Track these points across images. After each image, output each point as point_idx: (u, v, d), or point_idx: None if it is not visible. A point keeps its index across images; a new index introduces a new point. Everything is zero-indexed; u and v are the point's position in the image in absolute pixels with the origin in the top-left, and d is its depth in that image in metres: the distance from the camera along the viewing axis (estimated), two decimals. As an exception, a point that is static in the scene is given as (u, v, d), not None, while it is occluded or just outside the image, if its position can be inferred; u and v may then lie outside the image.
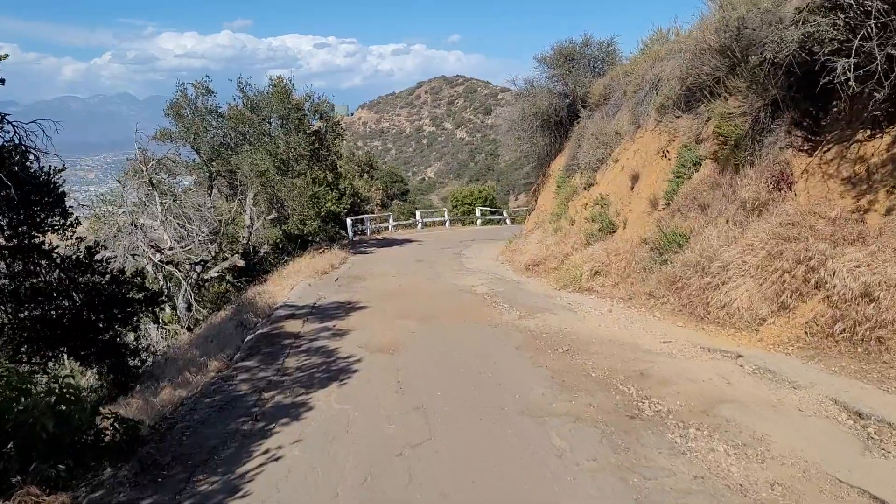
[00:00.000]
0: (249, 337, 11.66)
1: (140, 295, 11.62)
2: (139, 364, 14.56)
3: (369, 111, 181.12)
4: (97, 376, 13.81)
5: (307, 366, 9.31)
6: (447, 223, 42.23)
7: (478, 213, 43.15)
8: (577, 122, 24.96)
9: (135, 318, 11.76)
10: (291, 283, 19.48)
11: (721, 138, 12.88)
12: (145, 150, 24.36)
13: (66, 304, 10.42)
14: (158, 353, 18.90)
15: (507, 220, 44.09)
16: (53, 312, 10.34)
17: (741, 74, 12.41)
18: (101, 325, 11.06)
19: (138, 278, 11.97)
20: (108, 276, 11.02)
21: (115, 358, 12.91)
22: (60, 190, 10.91)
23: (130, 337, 17.78)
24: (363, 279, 19.87)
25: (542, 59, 26.10)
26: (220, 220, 25.42)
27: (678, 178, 14.28)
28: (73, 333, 10.51)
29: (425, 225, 41.72)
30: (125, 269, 12.54)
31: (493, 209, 46.10)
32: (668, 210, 14.11)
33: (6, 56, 8.80)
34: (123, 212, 22.62)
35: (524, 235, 26.05)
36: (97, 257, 11.92)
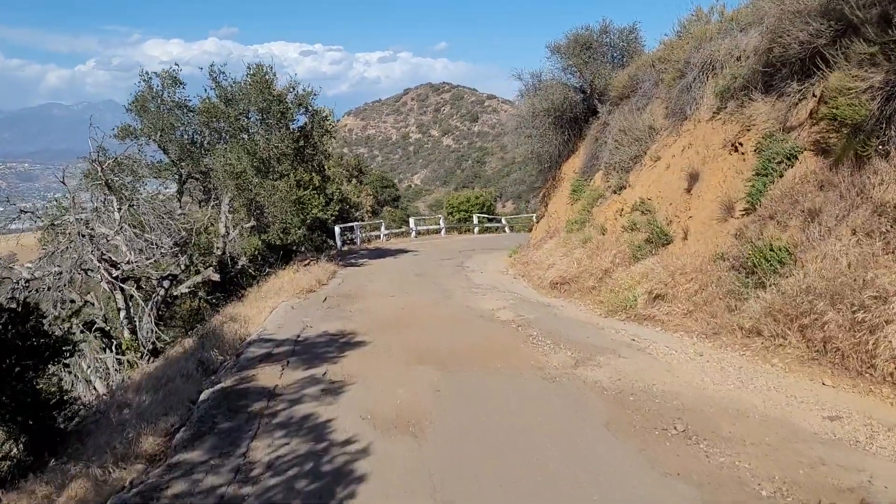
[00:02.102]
0: (205, 397, 8.34)
1: (41, 341, 8.13)
2: (71, 416, 11.21)
3: (355, 118, 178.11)
4: (5, 436, 10.46)
5: (284, 463, 5.95)
6: (443, 231, 39.09)
7: (475, 220, 40.05)
8: (595, 119, 22.15)
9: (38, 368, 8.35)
10: (271, 305, 16.18)
11: (834, 122, 9.80)
12: (104, 149, 21.07)
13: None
14: (103, 395, 15.54)
15: (507, 228, 41.09)
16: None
17: (866, 38, 9.37)
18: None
19: (36, 319, 8.45)
20: None
21: (26, 415, 9.61)
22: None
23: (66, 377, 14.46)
24: (357, 299, 16.62)
25: (556, 49, 23.15)
26: (190, 229, 22.15)
27: (763, 176, 11.17)
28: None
29: (419, 233, 38.54)
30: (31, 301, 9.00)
31: (491, 216, 43.05)
32: (753, 217, 11.00)
33: None
34: (76, 219, 19.23)
35: (533, 245, 23.03)
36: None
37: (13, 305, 8.24)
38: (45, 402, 10.28)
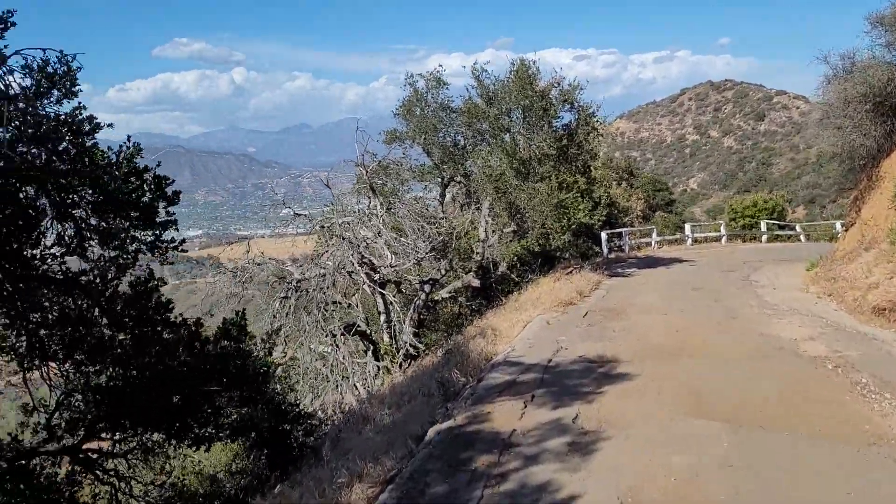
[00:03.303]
0: (429, 437, 6.88)
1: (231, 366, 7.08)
2: (309, 430, 10.57)
3: (628, 121, 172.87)
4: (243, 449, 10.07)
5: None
6: (723, 238, 34.93)
7: (763, 227, 35.24)
8: (935, 101, 17.57)
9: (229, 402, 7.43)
10: (525, 319, 14.64)
11: None
12: (373, 153, 21.29)
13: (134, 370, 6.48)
14: (354, 403, 15.16)
15: (802, 237, 35.66)
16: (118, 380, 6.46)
17: None
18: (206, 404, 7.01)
19: (228, 342, 7.50)
20: (181, 329, 6.83)
21: (255, 433, 8.99)
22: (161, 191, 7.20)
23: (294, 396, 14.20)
24: (622, 316, 14.45)
25: (879, 20, 18.87)
26: (451, 233, 21.58)
27: None
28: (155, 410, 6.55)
29: (695, 241, 34.84)
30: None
31: (783, 223, 37.73)
32: None
33: None
34: (338, 223, 19.51)
35: (841, 258, 18.85)
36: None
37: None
38: (283, 415, 9.71)
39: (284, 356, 18.63)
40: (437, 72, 22.06)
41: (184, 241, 7.53)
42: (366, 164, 19.86)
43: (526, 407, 7.86)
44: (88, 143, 6.61)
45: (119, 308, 5.89)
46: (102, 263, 5.90)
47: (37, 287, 5.42)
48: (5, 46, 6.35)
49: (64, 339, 5.83)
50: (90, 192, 6.18)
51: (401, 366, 17.36)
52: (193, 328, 6.66)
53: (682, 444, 6.42)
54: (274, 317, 18.36)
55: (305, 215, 20.14)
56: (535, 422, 7.29)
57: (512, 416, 7.53)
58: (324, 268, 18.09)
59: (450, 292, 24.36)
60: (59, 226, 6.34)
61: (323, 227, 19.84)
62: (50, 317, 5.63)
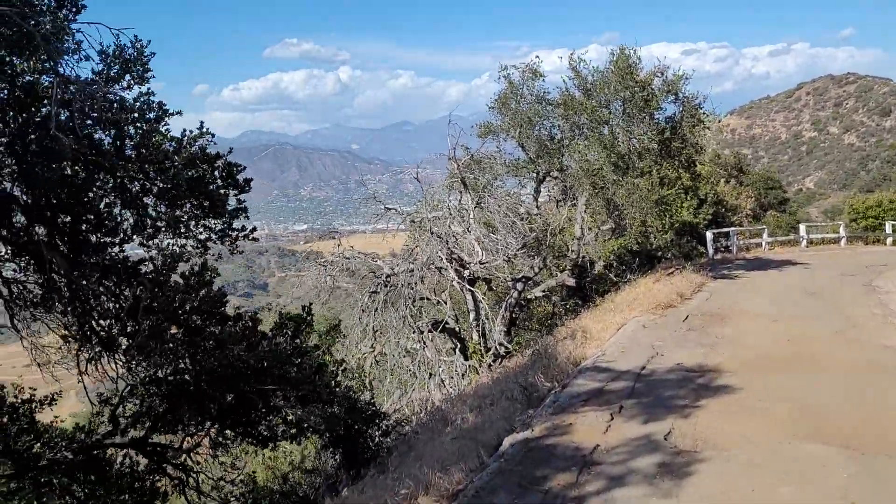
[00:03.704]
0: (503, 448, 6.29)
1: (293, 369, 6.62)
2: (386, 431, 10.21)
3: (739, 117, 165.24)
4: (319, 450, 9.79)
5: None
6: (842, 240, 32.41)
7: (888, 228, 32.44)
8: None
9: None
10: (619, 321, 13.79)
11: None
12: (465, 147, 20.82)
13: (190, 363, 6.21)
14: (441, 400, 14.74)
15: (935, 241, 32.64)
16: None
17: None
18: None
19: (287, 337, 7.06)
20: (238, 322, 6.48)
21: (328, 432, 8.66)
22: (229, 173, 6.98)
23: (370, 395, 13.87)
24: (726, 321, 13.36)
25: None
26: (545, 230, 20.88)
27: None
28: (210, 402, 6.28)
29: (811, 242, 32.50)
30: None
31: (913, 225, 34.66)
32: None
33: None
34: (427, 217, 19.16)
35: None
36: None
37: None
38: (357, 414, 9.36)
39: (373, 350, 18.51)
40: (534, 63, 21.32)
41: (254, 229, 7.26)
42: (457, 158, 19.41)
43: (612, 419, 7.15)
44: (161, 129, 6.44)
45: (171, 298, 5.64)
46: (168, 252, 5.69)
47: (89, 275, 5.24)
48: (78, 30, 6.23)
49: (117, 329, 5.64)
50: (157, 178, 5.96)
51: (490, 366, 16.85)
52: (250, 323, 6.36)
53: (792, 471, 5.58)
54: (363, 311, 18.26)
55: (395, 210, 19.92)
56: (622, 437, 6.57)
57: (596, 428, 6.83)
58: (412, 263, 17.81)
59: (543, 291, 23.60)
60: (126, 213, 6.18)
61: (413, 221, 19.57)
62: (100, 307, 5.44)
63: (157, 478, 6.95)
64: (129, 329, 5.66)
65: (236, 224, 7.05)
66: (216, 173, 7.17)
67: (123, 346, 5.78)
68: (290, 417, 7.08)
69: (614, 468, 5.77)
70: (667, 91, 19.87)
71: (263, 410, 6.55)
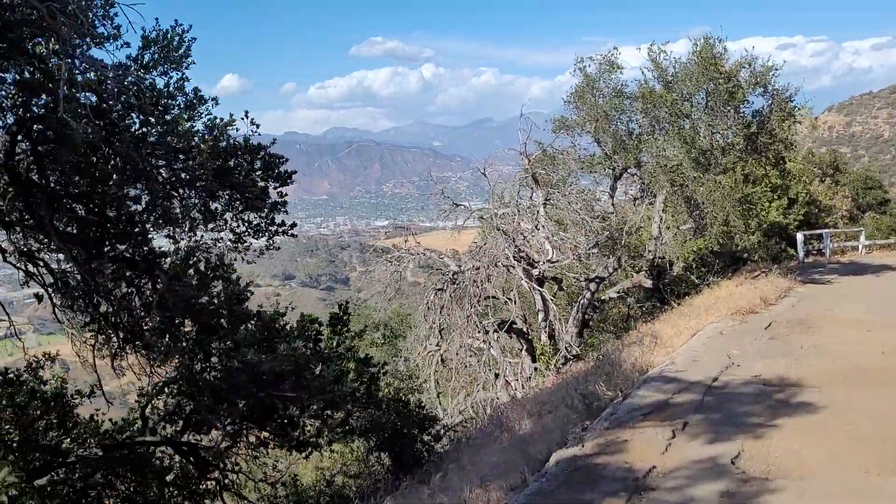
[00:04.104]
0: (548, 466, 5.74)
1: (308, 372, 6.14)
2: (437, 435, 9.80)
3: (837, 114, 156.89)
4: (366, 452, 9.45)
5: None
6: (950, 245, 29.99)
7: None
8: None
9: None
10: (694, 326, 12.93)
11: None
12: (538, 142, 20.14)
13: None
14: (503, 404, 14.21)
15: None
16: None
17: None
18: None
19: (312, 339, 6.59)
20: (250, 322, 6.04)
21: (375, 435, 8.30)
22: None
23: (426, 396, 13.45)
24: (813, 330, 12.30)
25: None
26: (620, 228, 20.06)
27: None
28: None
29: (914, 246, 30.22)
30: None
31: None
32: None
33: None
34: (500, 213, 18.62)
35: None
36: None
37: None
38: (406, 418, 8.97)
39: (439, 349, 18.17)
40: (612, 55, 20.45)
41: (294, 224, 6.95)
42: (529, 153, 18.78)
43: (674, 437, 6.48)
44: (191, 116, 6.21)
45: (181, 293, 5.34)
46: (189, 245, 5.44)
47: (105, 266, 5.02)
48: (115, 14, 6.06)
49: (127, 322, 5.41)
50: (182, 167, 5.71)
51: (558, 369, 16.23)
52: (269, 322, 6.00)
53: (882, 510, 4.83)
54: (428, 308, 17.93)
55: (464, 206, 19.46)
56: (683, 458, 5.91)
57: (654, 447, 6.19)
58: (479, 261, 17.32)
59: (618, 292, 22.73)
60: (147, 200, 5.96)
61: (482, 218, 19.08)
62: (118, 300, 5.22)
63: (195, 476, 6.76)
64: (147, 324, 5.43)
65: (277, 218, 6.77)
66: (257, 164, 6.92)
67: (144, 342, 5.57)
68: (331, 422, 6.73)
69: (669, 495, 5.14)
70: (754, 83, 18.68)
71: (286, 415, 6.23)
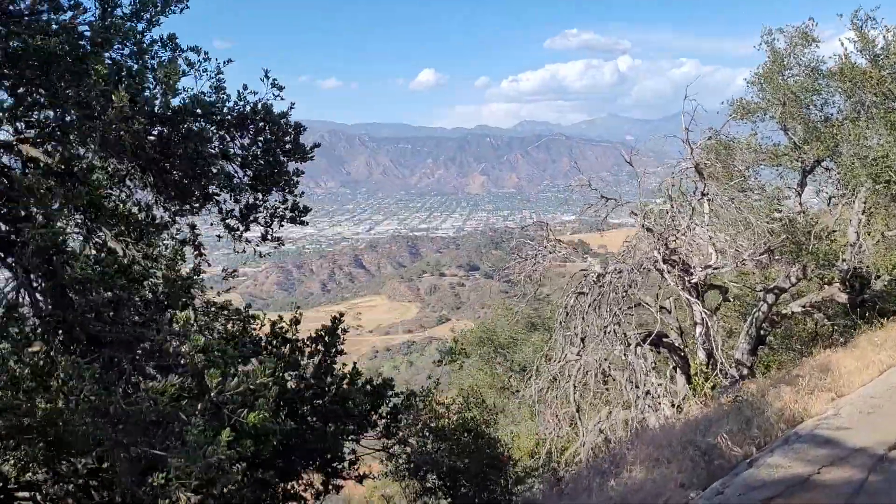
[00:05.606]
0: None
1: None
2: (518, 479, 8.07)
3: None
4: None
5: None
6: None
7: None
8: None
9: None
10: (885, 362, 10.06)
11: None
12: (711, 128, 17.36)
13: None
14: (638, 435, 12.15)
15: None
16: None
17: None
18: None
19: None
20: None
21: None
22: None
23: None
24: None
25: None
26: (809, 232, 17.18)
27: None
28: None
29: None
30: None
31: None
32: None
33: None
34: (657, 210, 16.25)
35: None
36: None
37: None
38: (474, 455, 7.35)
39: (579, 358, 16.35)
40: (805, 26, 17.23)
41: (307, 210, 5.66)
42: (692, 142, 16.15)
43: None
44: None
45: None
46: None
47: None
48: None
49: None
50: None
51: (711, 394, 13.78)
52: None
53: None
54: (566, 313, 16.15)
55: (614, 200, 17.21)
56: None
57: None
58: (623, 263, 15.16)
59: (803, 306, 19.43)
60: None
61: (634, 213, 16.79)
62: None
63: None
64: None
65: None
66: (287, 139, 5.75)
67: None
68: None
69: None
70: None
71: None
